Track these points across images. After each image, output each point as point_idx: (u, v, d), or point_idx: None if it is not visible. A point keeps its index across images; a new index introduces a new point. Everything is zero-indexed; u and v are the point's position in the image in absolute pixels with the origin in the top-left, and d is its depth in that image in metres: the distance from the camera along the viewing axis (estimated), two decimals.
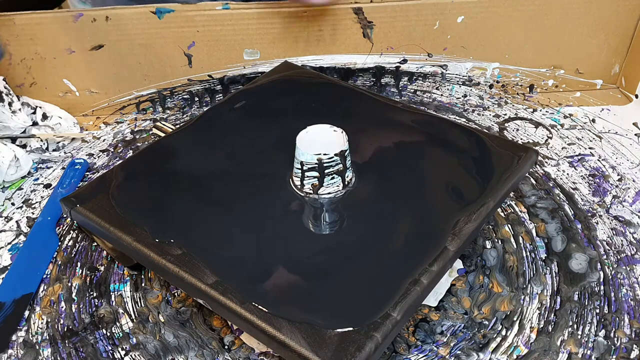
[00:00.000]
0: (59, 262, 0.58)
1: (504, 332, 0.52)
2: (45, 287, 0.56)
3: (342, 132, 0.54)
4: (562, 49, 0.81)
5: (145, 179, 0.56)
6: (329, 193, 0.53)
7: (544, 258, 0.59)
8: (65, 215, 0.62)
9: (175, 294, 0.55)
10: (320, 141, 0.54)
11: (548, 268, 0.58)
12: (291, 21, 0.76)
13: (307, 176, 0.52)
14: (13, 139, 0.71)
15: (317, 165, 0.51)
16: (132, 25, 0.74)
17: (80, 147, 0.75)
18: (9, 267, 0.58)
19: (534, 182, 0.68)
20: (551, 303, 0.54)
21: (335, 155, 0.51)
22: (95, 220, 0.51)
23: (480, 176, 0.55)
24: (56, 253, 0.59)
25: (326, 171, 0.52)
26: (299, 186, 0.53)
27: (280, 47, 0.78)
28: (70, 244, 0.60)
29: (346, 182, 0.53)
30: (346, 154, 0.52)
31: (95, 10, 0.73)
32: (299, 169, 0.52)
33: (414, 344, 0.51)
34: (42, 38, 0.73)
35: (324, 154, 0.51)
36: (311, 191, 0.53)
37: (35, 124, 0.73)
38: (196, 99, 0.80)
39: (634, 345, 0.50)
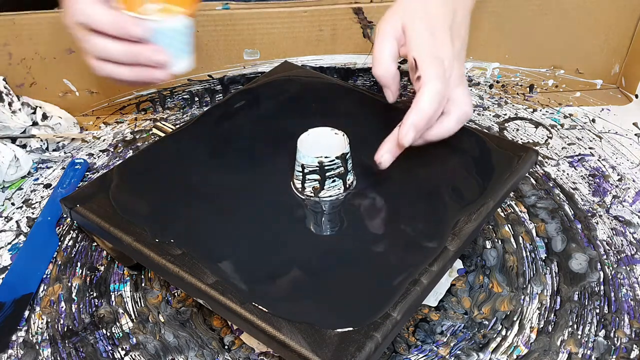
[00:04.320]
0: (59, 262, 0.58)
1: (504, 332, 0.52)
2: (45, 287, 0.56)
3: (343, 135, 0.54)
4: (562, 49, 0.81)
5: (146, 179, 0.56)
6: (330, 196, 0.53)
7: (544, 258, 0.59)
8: (65, 215, 0.62)
9: (175, 294, 0.55)
10: (321, 144, 0.54)
11: (548, 268, 0.58)
12: (291, 21, 0.76)
13: (308, 179, 0.52)
14: (13, 139, 0.71)
15: (318, 168, 0.51)
16: None
17: (80, 147, 0.75)
18: (9, 267, 0.58)
19: (534, 182, 0.68)
20: (551, 303, 0.54)
21: (337, 158, 0.51)
22: (95, 220, 0.51)
23: (480, 176, 0.55)
24: (56, 253, 0.59)
25: (327, 174, 0.52)
26: (300, 189, 0.53)
27: (280, 47, 0.78)
28: (70, 244, 0.60)
29: (347, 185, 0.53)
30: (347, 157, 0.52)
31: None
32: (299, 171, 0.52)
33: (414, 344, 0.51)
34: (42, 38, 0.73)
35: (325, 157, 0.51)
36: (312, 194, 0.53)
37: (35, 124, 0.73)
38: (196, 99, 0.80)
39: (634, 345, 0.50)
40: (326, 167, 0.51)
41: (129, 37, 0.50)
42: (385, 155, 0.51)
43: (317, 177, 0.52)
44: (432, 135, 0.52)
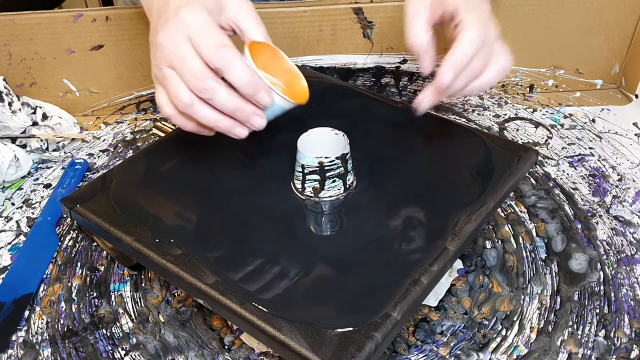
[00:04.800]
0: (59, 262, 0.58)
1: (504, 332, 0.52)
2: (45, 287, 0.56)
3: (343, 135, 0.54)
4: (562, 49, 0.81)
5: (146, 179, 0.56)
6: (330, 196, 0.53)
7: (544, 258, 0.59)
8: (65, 215, 0.62)
9: (175, 294, 0.55)
10: (321, 144, 0.54)
11: (548, 268, 0.58)
12: (291, 21, 0.76)
13: (308, 179, 0.52)
14: (13, 139, 0.71)
15: (318, 169, 0.51)
16: (132, 25, 0.74)
17: (80, 147, 0.75)
18: (9, 267, 0.58)
19: (534, 182, 0.68)
20: (551, 303, 0.54)
21: (337, 158, 0.51)
22: (95, 220, 0.51)
23: (480, 176, 0.55)
24: (56, 253, 0.59)
25: (327, 174, 0.52)
26: (300, 189, 0.53)
27: (280, 47, 0.78)
28: (70, 244, 0.60)
29: (347, 185, 0.53)
30: (347, 157, 0.52)
31: (95, 10, 0.73)
32: (300, 172, 0.52)
33: (414, 344, 0.51)
34: (42, 38, 0.73)
35: (325, 157, 0.51)
36: (312, 194, 0.53)
37: (35, 124, 0.73)
38: None
39: (634, 345, 0.50)
40: (326, 168, 0.51)
41: (254, 101, 0.49)
42: (425, 99, 0.52)
43: (317, 177, 0.52)
44: (475, 86, 0.53)
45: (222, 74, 0.48)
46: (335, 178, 0.52)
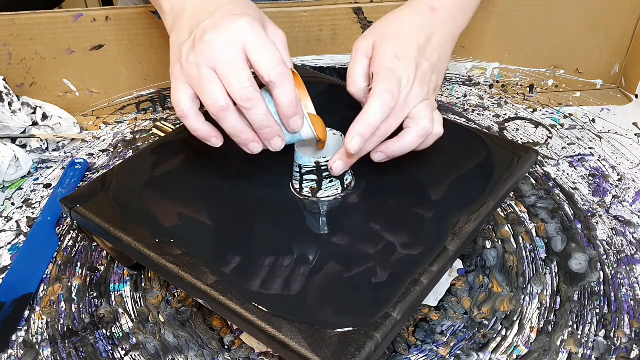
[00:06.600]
0: (59, 262, 0.58)
1: (504, 332, 0.52)
2: (45, 287, 0.56)
3: (341, 135, 0.54)
4: (562, 49, 0.81)
5: (146, 179, 0.56)
6: (327, 196, 0.53)
7: (544, 258, 0.59)
8: (65, 215, 0.62)
9: (175, 294, 0.55)
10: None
11: (548, 268, 0.58)
12: (291, 21, 0.76)
13: (306, 179, 0.52)
14: (13, 139, 0.71)
15: (315, 169, 0.51)
16: (132, 25, 0.74)
17: (80, 147, 0.75)
18: (9, 267, 0.58)
19: (534, 182, 0.68)
20: (551, 303, 0.54)
21: None
22: (95, 220, 0.51)
23: (480, 176, 0.55)
24: (56, 253, 0.59)
25: (324, 174, 0.52)
26: (298, 190, 0.53)
27: None
28: (70, 244, 0.61)
29: (345, 185, 0.53)
30: None
31: (95, 10, 0.73)
32: (297, 172, 0.52)
33: (414, 344, 0.51)
34: (42, 38, 0.73)
35: (322, 157, 0.51)
36: (310, 195, 0.53)
37: (35, 124, 0.73)
38: None
39: (634, 345, 0.50)
40: (323, 168, 0.51)
41: (287, 122, 0.49)
42: (337, 162, 0.51)
43: (314, 177, 0.52)
44: (391, 150, 0.52)
45: (272, 89, 0.47)
46: (332, 178, 0.52)
